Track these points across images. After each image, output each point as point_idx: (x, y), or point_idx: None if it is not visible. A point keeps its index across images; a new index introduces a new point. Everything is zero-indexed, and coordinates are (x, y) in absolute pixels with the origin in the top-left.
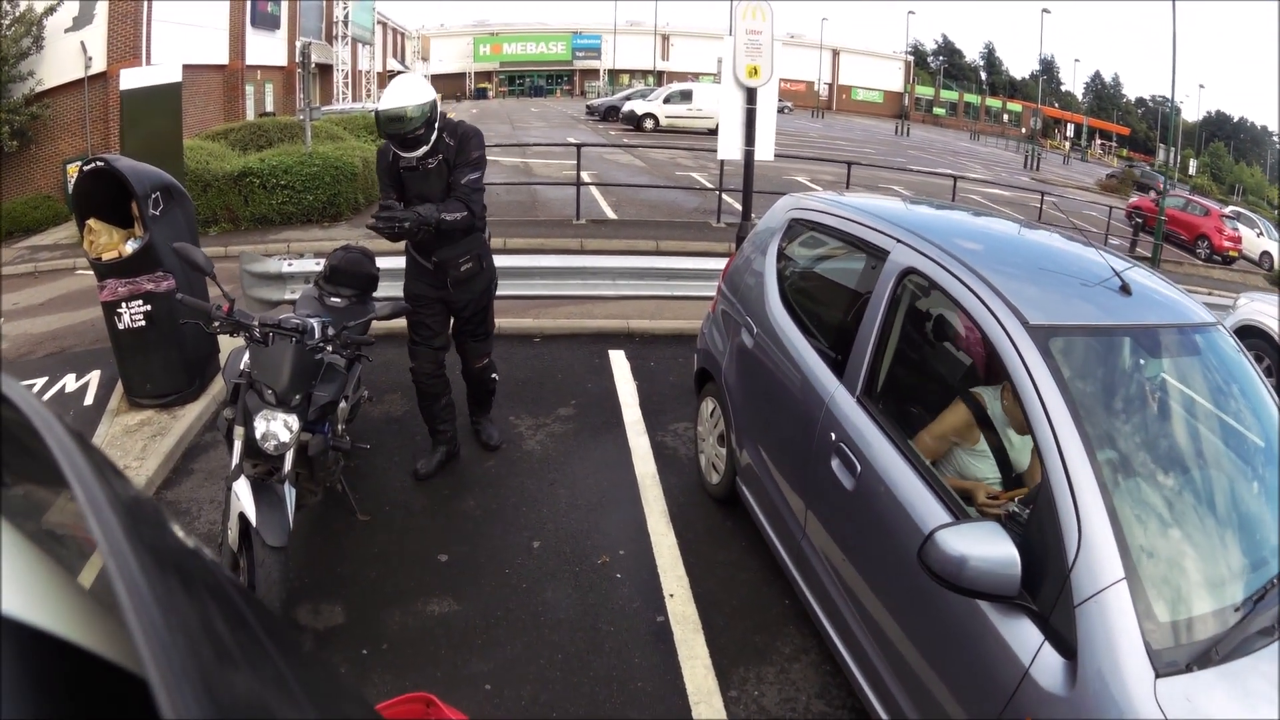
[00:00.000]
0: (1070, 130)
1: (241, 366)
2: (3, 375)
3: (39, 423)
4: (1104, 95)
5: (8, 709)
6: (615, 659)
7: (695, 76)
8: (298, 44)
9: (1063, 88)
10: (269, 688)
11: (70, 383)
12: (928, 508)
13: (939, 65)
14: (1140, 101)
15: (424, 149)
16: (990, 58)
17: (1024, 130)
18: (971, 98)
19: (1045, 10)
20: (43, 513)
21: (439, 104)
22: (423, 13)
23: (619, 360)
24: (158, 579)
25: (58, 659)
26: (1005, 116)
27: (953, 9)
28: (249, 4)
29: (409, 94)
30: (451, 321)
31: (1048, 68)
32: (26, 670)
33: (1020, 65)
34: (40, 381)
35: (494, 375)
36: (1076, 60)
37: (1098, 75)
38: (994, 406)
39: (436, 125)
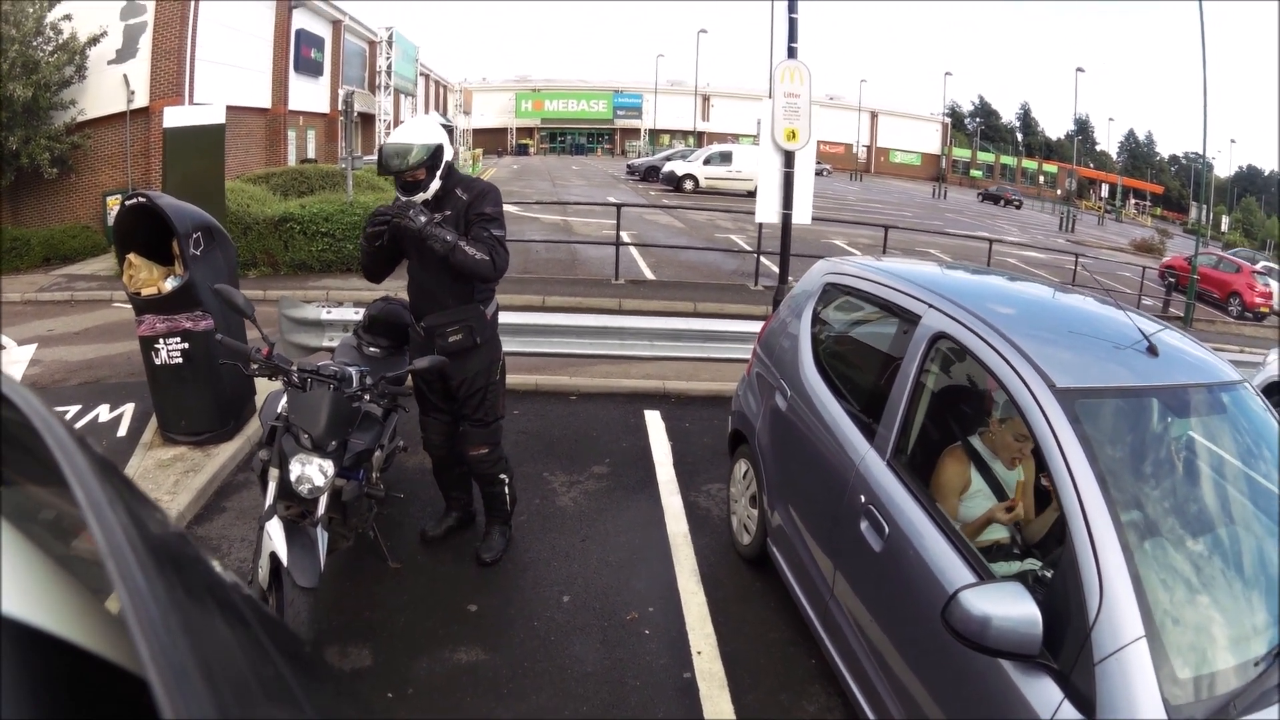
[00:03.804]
0: (1105, 190)
1: (279, 409)
2: (3, 375)
3: (39, 423)
4: (1138, 154)
5: (8, 709)
6: (640, 713)
7: (735, 138)
8: (340, 92)
9: (1097, 147)
10: (268, 688)
11: (104, 413)
12: (953, 568)
13: (976, 127)
14: (1173, 159)
15: (423, 195)
16: (1026, 119)
17: (1059, 191)
18: (1008, 159)
19: (1079, 69)
20: (42, 512)
21: (449, 150)
22: (465, 66)
23: (654, 420)
24: (158, 579)
25: (58, 659)
26: (1041, 178)
27: (989, 70)
28: (292, 49)
29: (416, 132)
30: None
31: (1082, 128)
32: (26, 670)
33: (1055, 125)
34: (73, 410)
35: (503, 476)
36: (1110, 119)
37: (1131, 134)
38: (983, 451)
39: (441, 174)
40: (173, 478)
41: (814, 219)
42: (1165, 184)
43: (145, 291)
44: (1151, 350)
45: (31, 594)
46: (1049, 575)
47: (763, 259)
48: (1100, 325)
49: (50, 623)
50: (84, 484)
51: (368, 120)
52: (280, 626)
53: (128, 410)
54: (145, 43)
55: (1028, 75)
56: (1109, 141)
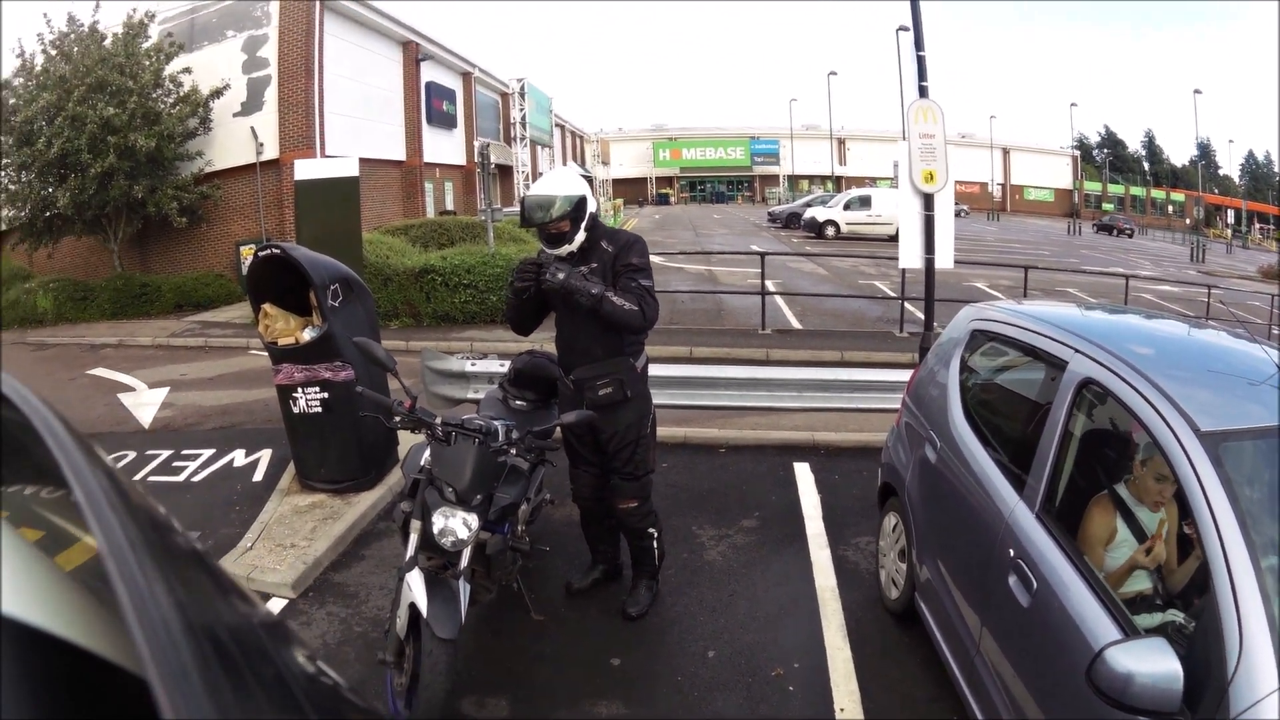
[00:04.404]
0: (1230, 216)
1: (422, 462)
2: (3, 375)
3: (39, 423)
4: (1259, 175)
5: (8, 709)
6: None
7: (873, 181)
8: (476, 144)
9: (1220, 172)
10: (268, 687)
11: (239, 458)
12: (1098, 624)
13: (1104, 158)
14: None
15: (567, 248)
16: (1151, 146)
17: (1188, 221)
18: (1137, 190)
19: (1197, 91)
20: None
21: (592, 202)
22: (600, 116)
23: (803, 472)
24: (158, 579)
25: (58, 659)
26: (1170, 207)
27: (1111, 97)
28: (423, 102)
29: (558, 184)
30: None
31: (1205, 152)
32: (26, 670)
33: (1178, 151)
34: (207, 453)
35: (652, 530)
36: (1230, 141)
37: (1251, 155)
38: (1128, 499)
39: (585, 225)
40: (310, 524)
41: (955, 262)
42: None
43: (282, 341)
44: None
45: (31, 594)
46: (1191, 626)
47: (907, 305)
48: (1237, 361)
49: (50, 623)
50: (84, 484)
51: (505, 172)
52: (275, 618)
53: (264, 456)
54: (270, 95)
55: (1148, 100)
56: (1230, 164)
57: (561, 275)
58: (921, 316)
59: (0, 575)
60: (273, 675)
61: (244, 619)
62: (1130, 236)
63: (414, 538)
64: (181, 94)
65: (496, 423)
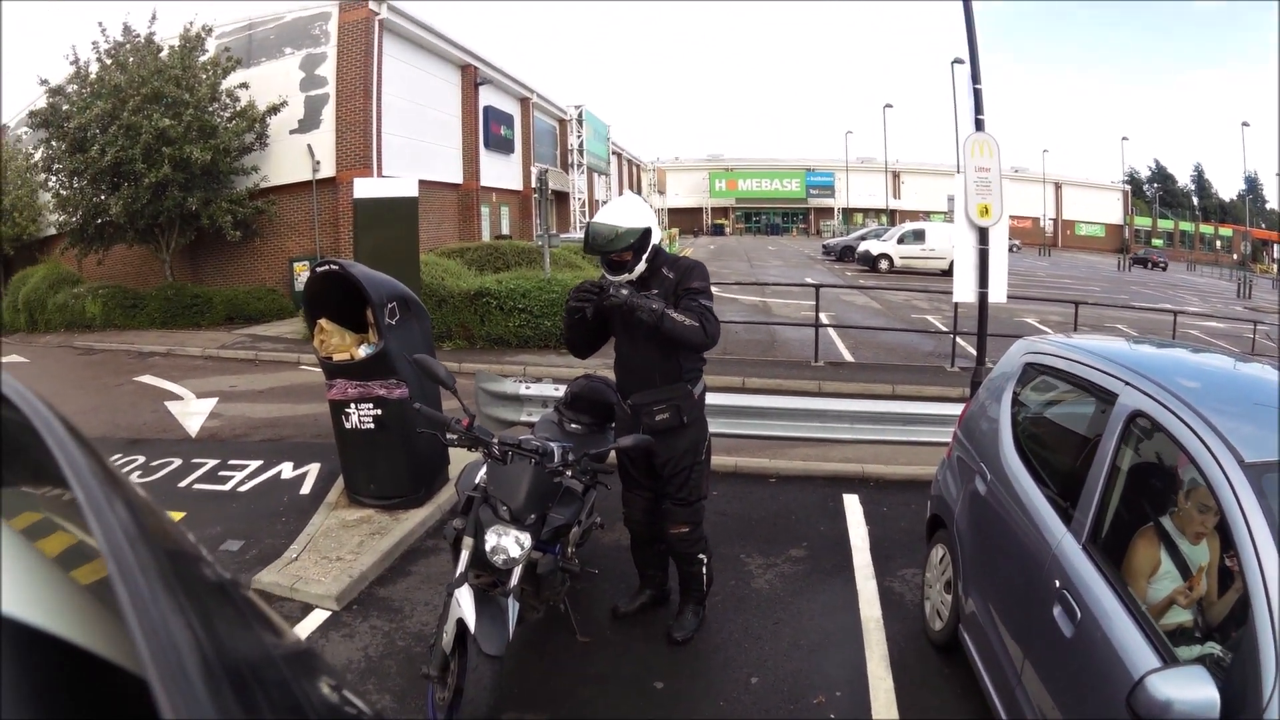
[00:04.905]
0: (1277, 251)
1: (477, 480)
2: (3, 375)
3: (39, 423)
4: None
5: (8, 709)
6: None
7: (926, 215)
8: (533, 170)
9: (1268, 205)
10: (268, 687)
11: (287, 470)
12: (1140, 654)
13: (1154, 193)
14: None
15: (627, 276)
16: (1200, 180)
17: (1235, 256)
18: (1186, 225)
19: (1245, 124)
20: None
21: (657, 233)
22: (656, 144)
23: (853, 504)
24: (158, 579)
25: (58, 659)
26: (1218, 243)
27: (1162, 130)
28: (481, 126)
29: (623, 213)
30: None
31: (1253, 186)
32: (26, 670)
33: (1226, 185)
34: (254, 464)
35: (702, 556)
36: (1278, 175)
37: None
38: (1173, 531)
39: (647, 256)
40: (357, 538)
41: (1007, 297)
42: None
43: (337, 357)
44: None
45: (31, 594)
46: (1229, 658)
47: (958, 339)
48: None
49: (50, 623)
50: (84, 484)
51: (562, 198)
52: (279, 627)
53: (312, 470)
54: (328, 114)
55: (1198, 133)
56: (1277, 199)
57: (624, 293)
58: (972, 352)
59: (0, 575)
60: (284, 698)
61: (250, 630)
62: (1164, 270)
63: (465, 554)
64: (238, 109)
65: (553, 444)
